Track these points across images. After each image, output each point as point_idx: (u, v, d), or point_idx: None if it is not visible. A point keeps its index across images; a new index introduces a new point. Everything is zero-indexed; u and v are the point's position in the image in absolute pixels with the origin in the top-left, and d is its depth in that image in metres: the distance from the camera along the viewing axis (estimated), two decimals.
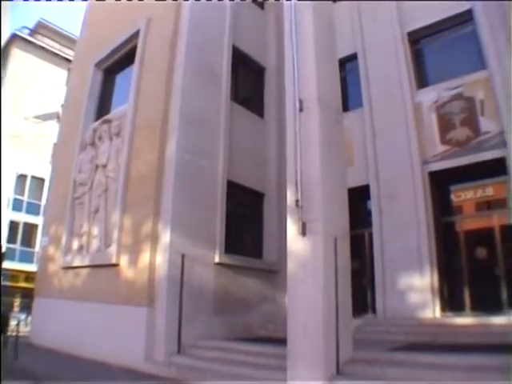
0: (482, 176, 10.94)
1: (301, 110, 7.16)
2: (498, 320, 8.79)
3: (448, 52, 11.90)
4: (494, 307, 9.65)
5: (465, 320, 9.28)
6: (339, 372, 6.32)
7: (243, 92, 13.04)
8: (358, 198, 11.05)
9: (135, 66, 12.01)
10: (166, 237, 9.61)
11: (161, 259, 9.56)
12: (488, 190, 11.07)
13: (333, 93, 7.83)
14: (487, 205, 11.23)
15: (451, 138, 10.74)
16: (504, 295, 9.78)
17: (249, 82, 13.40)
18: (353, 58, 12.78)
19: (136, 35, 12.43)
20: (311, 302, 6.41)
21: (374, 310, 10.74)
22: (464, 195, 11.33)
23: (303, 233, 6.63)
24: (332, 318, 6.38)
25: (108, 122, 12.32)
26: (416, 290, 10.05)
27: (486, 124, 10.38)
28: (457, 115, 10.79)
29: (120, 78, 13.73)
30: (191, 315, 9.38)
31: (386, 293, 10.40)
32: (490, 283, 10.09)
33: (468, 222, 11.27)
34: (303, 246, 6.65)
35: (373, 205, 11.23)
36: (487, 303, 9.87)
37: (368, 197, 11.42)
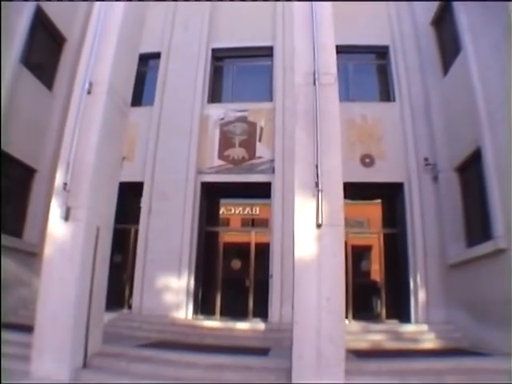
0: (252, 196, 12.06)
1: (89, 92, 6.92)
2: (243, 325, 9.66)
3: (244, 77, 12.89)
4: (241, 314, 10.72)
5: (213, 323, 9.92)
6: (86, 365, 6.21)
7: (36, 58, 11.85)
8: (132, 194, 11.12)
9: None
10: None
11: None
12: (255, 209, 12.14)
13: (125, 84, 7.75)
14: (252, 222, 12.29)
15: (228, 155, 11.50)
16: (250, 304, 10.93)
17: (45, 49, 12.25)
18: (157, 56, 12.76)
19: None
20: (64, 289, 6.14)
21: (130, 306, 10.80)
22: (234, 210, 12.22)
23: (66, 218, 6.35)
24: (84, 309, 6.25)
25: None
26: (172, 291, 10.41)
27: (261, 150, 11.45)
28: (237, 136, 11.63)
29: None
30: None
31: (143, 290, 10.52)
32: (240, 293, 11.12)
33: (230, 235, 12.23)
34: (64, 232, 6.36)
35: (144, 202, 11.24)
36: (235, 310, 10.88)
37: (141, 194, 11.38)
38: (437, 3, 11.01)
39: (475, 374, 5.92)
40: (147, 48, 10.77)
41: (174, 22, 13.02)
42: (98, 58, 7.20)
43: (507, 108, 7.71)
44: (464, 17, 9.47)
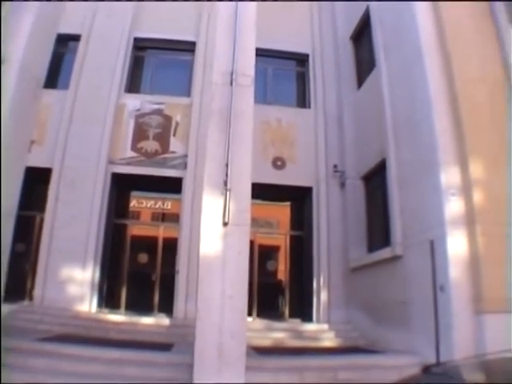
0: (163, 190, 11.94)
1: None
2: (147, 320, 9.66)
3: (164, 70, 12.77)
4: (146, 309, 10.59)
5: (118, 317, 9.79)
6: None
7: None
8: (39, 179, 10.48)
9: None
10: None
11: None
12: (166, 203, 12.06)
13: (39, 64, 7.35)
14: (162, 216, 12.23)
15: (141, 147, 11.33)
16: (156, 299, 10.86)
17: None
18: (77, 38, 12.11)
19: None
20: None
21: (32, 298, 10.23)
22: (145, 203, 12.04)
23: None
24: None
25: None
26: (76, 283, 10.05)
27: (175, 144, 11.41)
28: (152, 128, 11.49)
29: None
30: None
31: (46, 281, 10.03)
32: (146, 287, 11.02)
33: (138, 228, 12.06)
34: None
35: (51, 189, 10.71)
36: (141, 304, 10.74)
37: (49, 180, 10.81)
38: (357, 19, 11.55)
39: (368, 370, 6.37)
40: (67, 29, 10.32)
41: (97, 4, 12.47)
42: (11, 33, 6.76)
43: (412, 124, 8.30)
44: (380, 36, 9.99)
